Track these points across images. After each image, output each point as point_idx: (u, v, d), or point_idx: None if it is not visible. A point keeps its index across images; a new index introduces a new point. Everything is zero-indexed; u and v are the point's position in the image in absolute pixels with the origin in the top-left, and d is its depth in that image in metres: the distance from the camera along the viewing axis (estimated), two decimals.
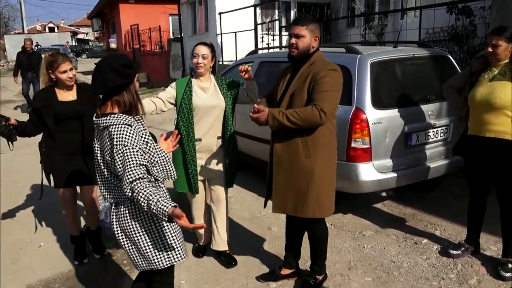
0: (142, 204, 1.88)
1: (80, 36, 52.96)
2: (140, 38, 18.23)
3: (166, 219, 1.87)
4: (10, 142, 3.18)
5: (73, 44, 43.25)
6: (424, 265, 3.23)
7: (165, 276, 2.28)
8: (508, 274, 2.99)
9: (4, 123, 3.08)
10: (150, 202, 1.86)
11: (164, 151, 2.19)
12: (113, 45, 21.45)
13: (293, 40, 2.60)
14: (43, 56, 3.36)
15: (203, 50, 3.10)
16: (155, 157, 2.11)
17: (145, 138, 2.06)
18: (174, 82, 3.22)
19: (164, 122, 9.29)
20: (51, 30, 51.57)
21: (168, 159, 2.19)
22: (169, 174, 2.21)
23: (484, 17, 6.45)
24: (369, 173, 3.57)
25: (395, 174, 3.68)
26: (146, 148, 2.05)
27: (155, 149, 2.12)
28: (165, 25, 18.75)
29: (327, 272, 3.09)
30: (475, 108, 3.03)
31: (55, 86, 3.25)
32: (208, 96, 3.16)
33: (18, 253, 3.74)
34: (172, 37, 16.98)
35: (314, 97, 2.48)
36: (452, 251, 3.30)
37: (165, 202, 1.85)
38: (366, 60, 3.63)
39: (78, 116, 3.19)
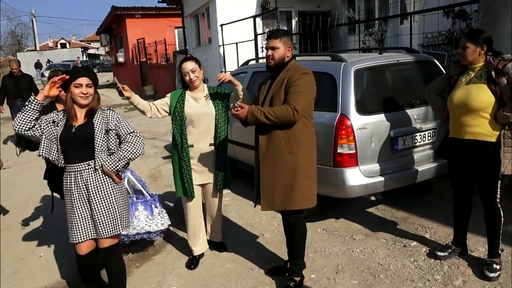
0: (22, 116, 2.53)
1: (91, 51, 53.85)
2: (147, 51, 18.55)
3: (31, 98, 2.53)
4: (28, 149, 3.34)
5: (84, 59, 44.03)
6: (411, 267, 3.27)
7: None
8: (493, 275, 3.01)
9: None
10: (21, 112, 2.52)
11: (56, 138, 2.64)
12: (120, 59, 21.83)
13: (270, 52, 2.90)
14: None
15: (190, 65, 3.32)
16: (49, 134, 2.64)
17: (56, 120, 2.68)
18: (168, 94, 3.47)
19: (168, 134, 9.43)
20: (63, 46, 52.63)
21: (58, 146, 2.64)
22: (53, 156, 2.65)
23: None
24: (356, 177, 3.63)
25: (382, 178, 3.73)
26: (51, 128, 2.65)
27: (56, 131, 2.65)
28: (171, 38, 19.08)
29: (313, 276, 3.19)
30: (454, 111, 3.09)
31: (56, 101, 3.34)
32: (199, 105, 3.39)
33: (19, 264, 3.87)
34: (178, 50, 17.24)
35: (288, 98, 2.75)
36: (439, 253, 3.34)
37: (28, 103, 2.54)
38: (350, 68, 3.71)
39: None
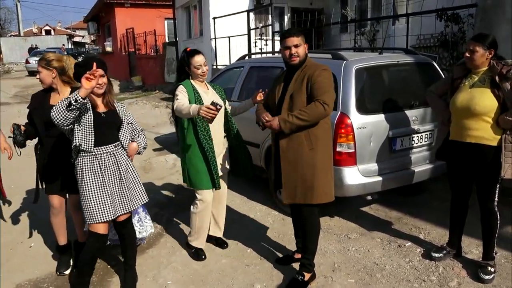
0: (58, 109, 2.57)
1: (76, 39, 52.77)
2: (136, 41, 18.29)
3: (77, 97, 2.51)
4: (20, 148, 3.29)
5: (70, 47, 43.17)
6: (407, 267, 3.30)
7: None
8: (487, 277, 3.06)
9: (21, 132, 3.21)
10: (60, 105, 2.54)
11: (88, 125, 2.75)
12: (108, 49, 21.50)
13: (294, 50, 2.89)
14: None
15: (202, 59, 3.35)
16: (82, 123, 2.74)
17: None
18: (181, 87, 3.33)
19: (158, 126, 9.33)
20: (48, 32, 51.43)
21: (91, 131, 2.76)
22: (87, 142, 2.77)
23: (473, 24, 6.55)
24: (354, 177, 3.64)
25: (379, 178, 3.75)
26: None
27: (86, 119, 2.75)
28: (161, 29, 18.84)
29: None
30: (456, 114, 3.12)
31: (51, 90, 3.25)
32: (210, 97, 3.35)
33: (9, 254, 3.77)
34: (167, 41, 17.04)
35: (314, 94, 2.79)
36: (434, 254, 3.37)
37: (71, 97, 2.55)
38: (351, 66, 3.71)
39: None
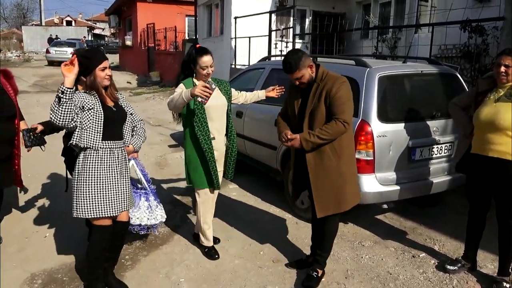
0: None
1: (96, 31, 53.43)
2: (156, 37, 18.44)
3: (63, 89, 2.45)
4: (41, 147, 3.45)
5: (89, 38, 43.72)
6: (420, 278, 3.28)
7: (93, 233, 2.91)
8: None
9: (32, 137, 3.35)
10: (53, 105, 2.48)
11: (97, 122, 2.70)
12: (128, 42, 21.71)
13: (297, 82, 2.97)
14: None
15: (209, 60, 3.28)
16: (87, 122, 2.67)
17: (86, 105, 2.67)
18: (182, 84, 3.31)
19: (174, 122, 9.38)
20: (68, 23, 52.12)
21: (99, 129, 2.72)
22: (94, 140, 2.72)
23: (497, 36, 6.47)
24: (371, 184, 3.63)
25: (397, 187, 3.73)
26: (84, 114, 2.66)
27: (90, 117, 2.68)
28: (181, 26, 18.97)
29: (324, 279, 3.20)
30: (479, 128, 3.08)
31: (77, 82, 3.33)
32: (214, 96, 3.30)
33: (24, 242, 3.83)
34: (187, 38, 17.14)
35: (334, 111, 2.83)
36: (448, 267, 3.34)
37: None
38: (374, 74, 3.69)
39: None
